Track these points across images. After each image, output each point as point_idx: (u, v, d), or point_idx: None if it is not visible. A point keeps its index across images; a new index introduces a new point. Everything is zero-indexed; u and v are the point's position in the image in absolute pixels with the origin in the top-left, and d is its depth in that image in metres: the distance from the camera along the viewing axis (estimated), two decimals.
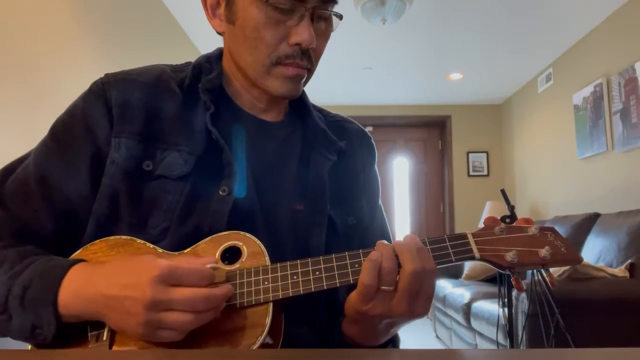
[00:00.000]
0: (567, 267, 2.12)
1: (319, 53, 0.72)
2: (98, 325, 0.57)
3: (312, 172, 0.74)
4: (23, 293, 0.56)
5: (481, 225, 0.62)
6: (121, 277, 0.53)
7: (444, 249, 0.59)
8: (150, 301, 0.50)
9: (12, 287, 0.57)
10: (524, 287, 0.62)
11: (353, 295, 0.58)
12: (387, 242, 0.57)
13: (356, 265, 0.58)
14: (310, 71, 0.72)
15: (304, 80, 0.72)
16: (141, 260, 0.55)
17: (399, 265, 0.56)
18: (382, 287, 0.55)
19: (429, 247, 0.59)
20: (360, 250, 0.59)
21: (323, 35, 0.72)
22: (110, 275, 0.54)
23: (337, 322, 0.69)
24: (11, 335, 0.58)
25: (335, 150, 0.78)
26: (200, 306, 0.52)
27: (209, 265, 0.55)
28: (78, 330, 0.57)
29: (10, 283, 0.57)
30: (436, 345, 3.86)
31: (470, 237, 0.59)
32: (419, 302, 0.56)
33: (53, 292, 0.55)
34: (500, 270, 0.59)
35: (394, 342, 0.71)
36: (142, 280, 0.51)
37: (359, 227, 0.76)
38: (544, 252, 0.57)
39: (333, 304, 0.71)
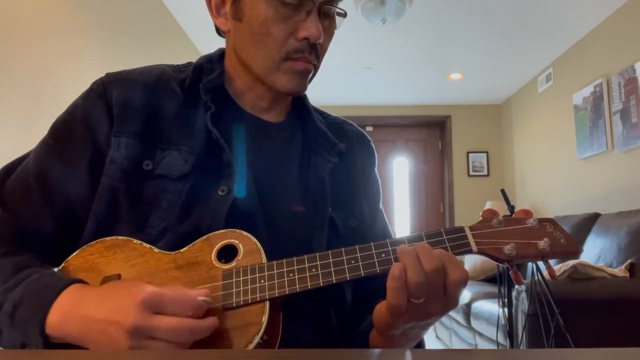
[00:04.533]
0: (568, 267, 2.11)
1: (324, 49, 0.73)
2: None
3: (313, 174, 0.74)
4: (13, 310, 0.55)
5: None
6: (108, 301, 0.52)
7: (441, 243, 0.58)
8: (132, 327, 0.49)
9: (4, 302, 0.56)
10: (523, 281, 0.61)
11: (383, 309, 0.57)
12: (408, 249, 0.55)
13: (352, 262, 0.57)
14: (316, 67, 0.72)
15: (310, 76, 0.72)
16: (129, 284, 0.54)
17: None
18: (413, 300, 0.54)
19: (425, 241, 0.58)
20: (357, 246, 0.58)
21: (328, 32, 0.72)
22: (99, 299, 0.54)
23: (359, 332, 0.69)
24: (4, 348, 0.58)
25: (336, 153, 0.78)
26: (183, 338, 0.50)
27: (200, 298, 0.53)
28: None
29: (2, 298, 0.56)
30: (436, 345, 3.86)
31: (467, 230, 0.59)
32: (450, 300, 0.56)
33: (42, 314, 0.54)
34: (499, 263, 0.58)
35: (420, 346, 0.70)
36: (127, 304, 0.50)
37: (360, 229, 0.76)
38: (542, 243, 0.56)
39: (340, 307, 0.71)
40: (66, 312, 0.54)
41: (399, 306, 0.54)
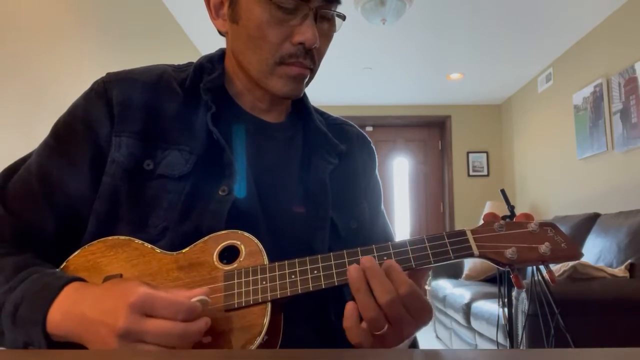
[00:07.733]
0: (567, 267, 2.12)
1: (321, 53, 0.72)
2: None
3: (314, 176, 0.74)
4: (15, 310, 0.55)
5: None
6: (103, 300, 0.52)
7: (443, 246, 0.58)
8: (122, 330, 0.49)
9: (5, 303, 0.56)
10: (524, 285, 0.61)
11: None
12: (359, 285, 0.54)
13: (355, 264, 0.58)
14: (312, 71, 0.72)
15: (306, 80, 0.72)
16: (124, 285, 0.53)
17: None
18: (375, 333, 0.54)
19: (427, 244, 0.58)
20: (359, 248, 0.58)
21: (326, 35, 0.72)
22: (95, 298, 0.53)
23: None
24: (6, 348, 0.58)
25: (337, 154, 0.78)
26: (173, 342, 0.49)
27: (196, 299, 0.51)
28: None
29: (4, 299, 0.57)
30: (436, 345, 3.86)
31: (469, 234, 0.59)
32: (420, 317, 0.55)
33: (42, 313, 0.54)
34: (500, 267, 0.58)
35: (413, 344, 0.70)
36: (119, 306, 0.50)
37: (361, 231, 0.76)
38: (543, 248, 0.56)
39: (340, 308, 0.71)
40: (65, 311, 0.54)
41: (360, 344, 0.54)
